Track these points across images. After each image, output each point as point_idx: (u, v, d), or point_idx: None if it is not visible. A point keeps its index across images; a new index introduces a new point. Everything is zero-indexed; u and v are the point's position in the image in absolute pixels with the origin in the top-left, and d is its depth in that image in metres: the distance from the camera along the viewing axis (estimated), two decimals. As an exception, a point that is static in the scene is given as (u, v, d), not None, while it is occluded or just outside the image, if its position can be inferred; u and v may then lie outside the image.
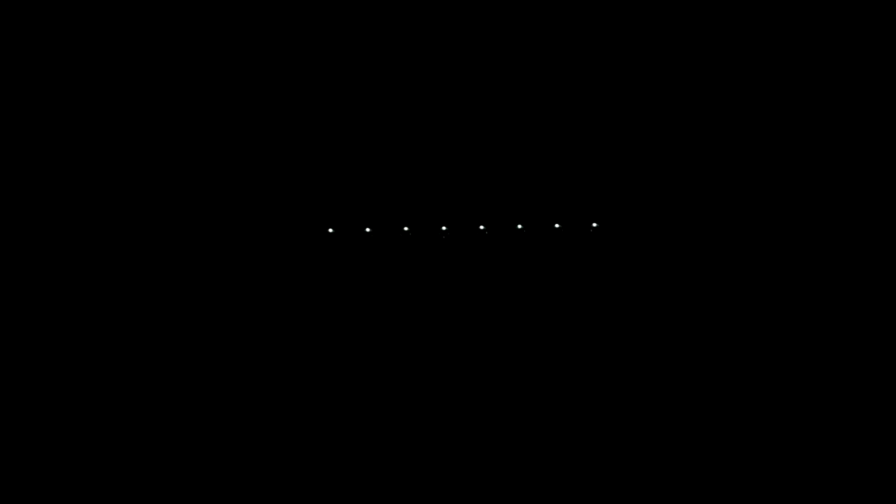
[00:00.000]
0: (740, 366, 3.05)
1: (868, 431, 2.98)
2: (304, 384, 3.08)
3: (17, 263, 3.09)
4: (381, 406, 3.08)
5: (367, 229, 3.11)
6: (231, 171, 3.12)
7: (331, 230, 3.11)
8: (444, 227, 3.11)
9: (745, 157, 3.09)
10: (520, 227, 3.10)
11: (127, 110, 3.12)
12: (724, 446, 3.00)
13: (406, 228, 3.11)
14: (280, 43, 3.13)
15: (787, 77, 3.09)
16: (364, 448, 3.04)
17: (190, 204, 3.11)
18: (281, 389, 3.07)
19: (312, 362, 3.09)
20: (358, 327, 3.10)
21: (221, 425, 3.05)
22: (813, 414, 3.01)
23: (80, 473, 3.00)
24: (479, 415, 3.06)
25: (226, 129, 3.12)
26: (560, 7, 3.11)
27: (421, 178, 3.13)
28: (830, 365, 3.03)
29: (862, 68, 3.08)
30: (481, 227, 3.11)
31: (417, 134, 3.13)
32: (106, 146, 3.12)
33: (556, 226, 3.10)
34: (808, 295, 3.05)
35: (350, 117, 3.13)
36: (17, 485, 2.98)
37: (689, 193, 3.10)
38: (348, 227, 3.12)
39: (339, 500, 3.00)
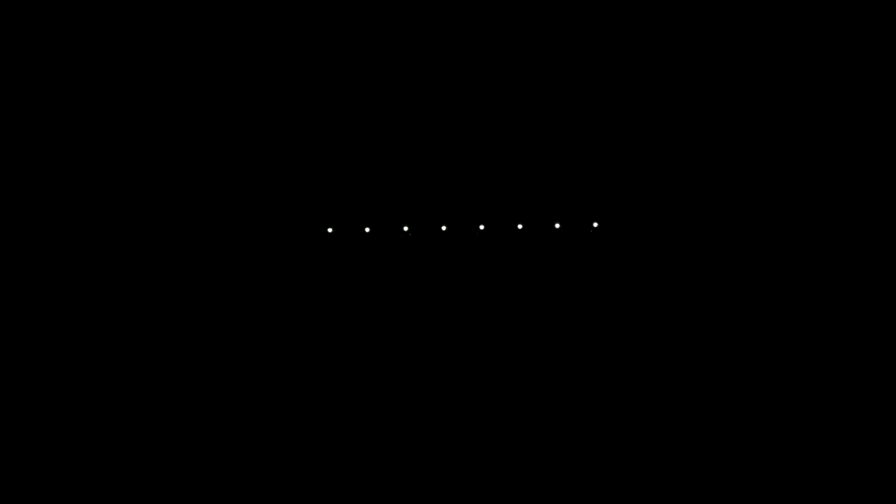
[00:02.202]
0: (741, 366, 3.06)
1: (868, 431, 3.00)
2: (303, 384, 3.07)
3: (17, 263, 3.07)
4: (380, 407, 3.07)
5: (367, 229, 3.10)
6: (230, 170, 3.11)
7: (330, 230, 3.10)
8: (444, 227, 3.11)
9: (745, 157, 3.09)
10: (520, 227, 3.10)
11: (126, 110, 3.10)
12: (724, 446, 3.02)
13: (406, 228, 3.10)
14: (279, 43, 3.11)
15: (786, 77, 3.10)
16: (364, 448, 3.04)
17: (188, 203, 3.10)
18: (280, 390, 3.07)
19: (311, 363, 3.08)
20: (357, 327, 3.10)
21: (220, 425, 3.04)
22: (813, 414, 3.03)
23: (81, 473, 2.99)
24: (479, 415, 3.06)
25: (225, 129, 3.11)
26: (560, 7, 3.11)
27: (421, 178, 3.12)
28: (831, 365, 3.05)
29: (862, 69, 3.09)
30: (481, 227, 3.10)
31: (417, 134, 3.12)
32: (105, 146, 3.10)
33: (557, 226, 3.10)
34: (808, 295, 3.06)
35: (349, 117, 3.12)
36: (17, 485, 2.97)
37: (690, 193, 3.10)
38: (347, 227, 3.11)
39: (339, 500, 2.99)
